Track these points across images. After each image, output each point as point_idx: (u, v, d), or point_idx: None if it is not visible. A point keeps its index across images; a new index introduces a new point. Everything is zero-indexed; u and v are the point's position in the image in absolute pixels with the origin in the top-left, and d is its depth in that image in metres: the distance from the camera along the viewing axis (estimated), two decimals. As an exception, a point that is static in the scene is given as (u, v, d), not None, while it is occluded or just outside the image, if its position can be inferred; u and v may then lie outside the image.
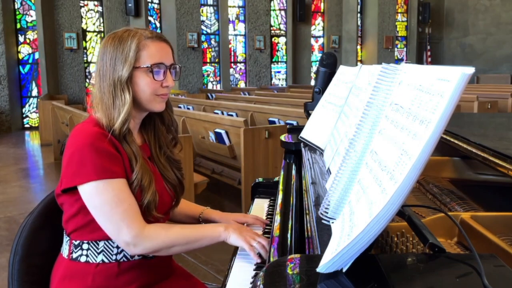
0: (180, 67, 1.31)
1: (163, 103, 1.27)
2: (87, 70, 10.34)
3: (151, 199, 1.19)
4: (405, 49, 15.20)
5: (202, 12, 11.97)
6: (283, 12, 13.38)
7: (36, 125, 9.61)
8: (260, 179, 1.89)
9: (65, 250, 1.25)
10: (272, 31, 13.25)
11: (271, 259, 1.05)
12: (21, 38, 9.90)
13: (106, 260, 1.22)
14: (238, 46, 12.83)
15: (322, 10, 14.13)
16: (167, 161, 1.36)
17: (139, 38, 1.21)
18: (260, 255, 1.18)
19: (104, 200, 1.14)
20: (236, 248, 1.32)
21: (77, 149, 1.14)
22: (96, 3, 10.55)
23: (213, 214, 1.49)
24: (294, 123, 4.15)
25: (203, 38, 12.00)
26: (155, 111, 1.27)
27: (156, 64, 1.21)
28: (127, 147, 1.20)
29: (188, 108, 6.38)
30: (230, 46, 12.59)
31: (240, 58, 12.92)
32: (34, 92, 10.08)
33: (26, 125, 10.02)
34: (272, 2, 13.05)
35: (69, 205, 1.21)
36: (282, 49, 13.58)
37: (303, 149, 1.59)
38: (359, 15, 14.38)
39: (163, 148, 1.35)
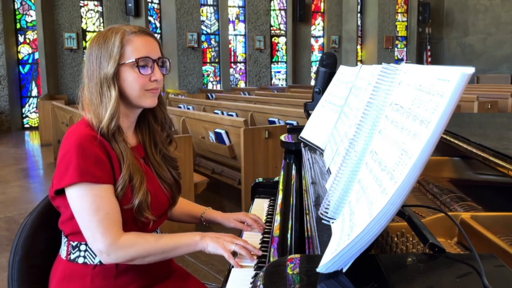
0: (169, 60, 1.29)
1: (154, 98, 1.25)
2: (87, 70, 10.33)
3: (142, 199, 1.18)
4: (405, 49, 15.21)
5: (202, 12, 11.97)
6: (283, 12, 13.38)
7: (36, 125, 9.61)
8: (260, 179, 1.89)
9: (63, 251, 1.25)
10: (272, 31, 13.25)
11: (271, 259, 1.05)
12: (21, 38, 9.90)
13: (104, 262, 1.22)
14: (238, 46, 12.83)
15: (322, 10, 14.14)
16: (162, 159, 1.35)
17: (122, 34, 1.20)
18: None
19: (83, 206, 1.13)
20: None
21: (65, 152, 1.14)
22: (96, 3, 10.55)
23: (214, 214, 1.49)
24: (294, 123, 4.15)
25: (203, 38, 12.00)
26: (146, 106, 1.25)
27: (142, 58, 1.20)
28: (116, 147, 1.19)
29: (188, 108, 6.38)
30: (230, 46, 12.59)
31: (240, 58, 12.92)
32: (34, 92, 10.08)
33: (26, 125, 10.03)
34: (272, 2, 13.05)
35: (64, 208, 1.21)
36: (282, 49, 13.58)
37: (303, 149, 1.59)
38: (359, 15, 14.39)
39: (159, 146, 1.34)
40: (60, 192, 1.18)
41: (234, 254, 1.18)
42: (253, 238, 1.37)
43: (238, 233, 1.46)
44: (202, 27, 11.97)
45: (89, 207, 1.13)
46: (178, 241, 1.20)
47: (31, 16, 9.85)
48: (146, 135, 1.34)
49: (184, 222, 1.55)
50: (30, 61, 9.99)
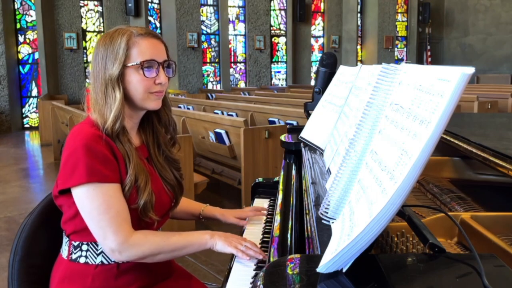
0: (175, 63, 1.29)
1: (159, 101, 1.25)
2: (87, 70, 10.34)
3: (148, 199, 1.19)
4: (405, 49, 15.20)
5: (202, 12, 11.97)
6: (283, 12, 13.38)
7: (36, 125, 9.61)
8: (260, 179, 1.89)
9: (64, 251, 1.25)
10: (272, 31, 13.25)
11: (271, 259, 1.05)
12: (21, 38, 9.90)
13: (105, 261, 1.22)
14: (238, 46, 12.83)
15: (322, 10, 14.13)
16: (165, 161, 1.35)
17: (129, 36, 1.20)
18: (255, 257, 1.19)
19: (93, 205, 1.14)
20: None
21: (72, 151, 1.14)
22: (96, 3, 10.55)
23: (213, 211, 1.51)
24: (294, 123, 4.15)
25: (203, 38, 12.00)
26: (150, 109, 1.26)
27: (147, 61, 1.20)
28: (121, 147, 1.20)
29: (188, 108, 6.38)
30: (230, 46, 12.59)
31: (240, 58, 12.92)
32: (34, 92, 10.08)
33: (26, 125, 10.03)
34: (272, 2, 13.05)
35: (67, 207, 1.21)
36: (282, 49, 13.58)
37: (303, 149, 1.59)
38: (359, 15, 14.38)
39: (162, 147, 1.34)
40: (64, 192, 1.18)
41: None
42: (253, 235, 1.37)
43: (239, 232, 1.46)
44: (202, 27, 11.97)
45: (99, 206, 1.13)
46: (189, 240, 1.21)
47: (31, 16, 9.84)
48: (149, 136, 1.34)
49: (183, 219, 1.56)
50: (30, 61, 9.98)
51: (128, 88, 1.21)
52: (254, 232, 1.42)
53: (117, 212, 1.14)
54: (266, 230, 1.41)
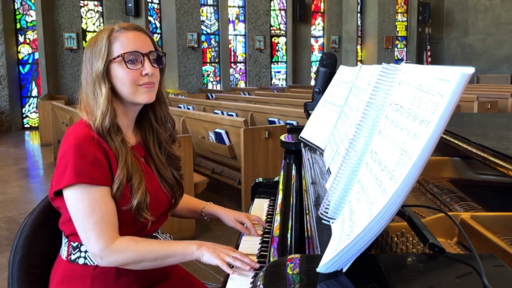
0: (164, 53, 1.28)
1: (150, 93, 1.23)
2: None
3: (141, 199, 1.18)
4: (405, 49, 15.21)
5: (202, 12, 11.97)
6: (283, 12, 13.38)
7: (36, 125, 9.62)
8: (260, 179, 1.89)
9: (63, 252, 1.25)
10: (272, 31, 13.25)
11: (271, 259, 1.05)
12: (21, 38, 9.90)
13: None
14: (238, 46, 12.84)
15: (322, 10, 14.14)
16: (167, 159, 1.35)
17: (110, 32, 1.21)
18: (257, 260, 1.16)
19: (78, 208, 1.13)
20: (236, 248, 1.33)
21: (64, 152, 1.15)
22: (96, 3, 10.56)
23: (215, 208, 1.50)
24: (294, 123, 4.16)
25: (203, 38, 12.00)
26: (142, 102, 1.24)
27: (129, 52, 1.19)
28: (112, 145, 1.19)
29: (188, 108, 6.38)
30: (230, 46, 12.59)
31: (240, 58, 12.92)
32: (34, 92, 10.09)
33: (26, 125, 10.03)
34: (272, 2, 13.05)
35: (64, 209, 1.20)
36: (282, 49, 13.58)
37: (303, 149, 1.59)
38: (359, 15, 14.39)
39: (163, 144, 1.34)
40: (60, 193, 1.18)
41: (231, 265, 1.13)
42: (252, 239, 1.37)
43: (237, 233, 1.46)
44: (202, 27, 11.97)
45: (84, 209, 1.13)
46: (173, 249, 1.18)
47: (31, 16, 9.85)
48: (149, 134, 1.33)
49: (185, 217, 1.56)
50: (30, 61, 9.99)
51: (115, 84, 1.21)
52: (253, 235, 1.41)
53: (102, 216, 1.13)
54: (266, 230, 1.41)
